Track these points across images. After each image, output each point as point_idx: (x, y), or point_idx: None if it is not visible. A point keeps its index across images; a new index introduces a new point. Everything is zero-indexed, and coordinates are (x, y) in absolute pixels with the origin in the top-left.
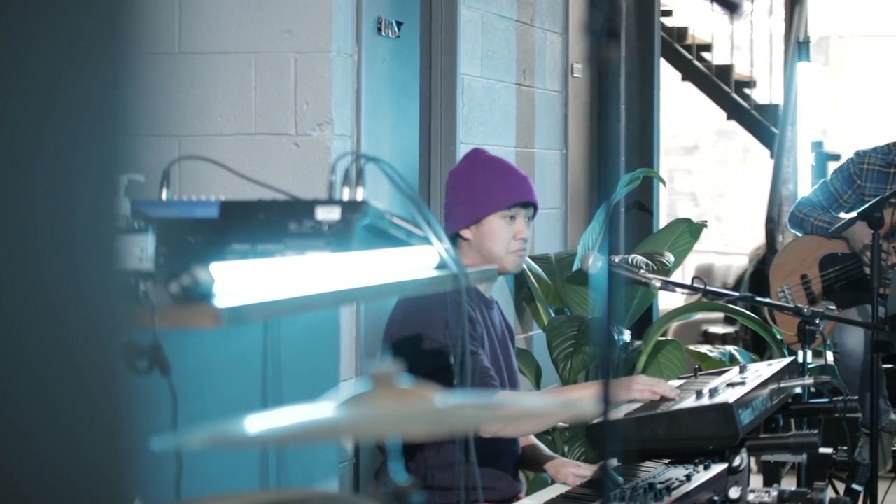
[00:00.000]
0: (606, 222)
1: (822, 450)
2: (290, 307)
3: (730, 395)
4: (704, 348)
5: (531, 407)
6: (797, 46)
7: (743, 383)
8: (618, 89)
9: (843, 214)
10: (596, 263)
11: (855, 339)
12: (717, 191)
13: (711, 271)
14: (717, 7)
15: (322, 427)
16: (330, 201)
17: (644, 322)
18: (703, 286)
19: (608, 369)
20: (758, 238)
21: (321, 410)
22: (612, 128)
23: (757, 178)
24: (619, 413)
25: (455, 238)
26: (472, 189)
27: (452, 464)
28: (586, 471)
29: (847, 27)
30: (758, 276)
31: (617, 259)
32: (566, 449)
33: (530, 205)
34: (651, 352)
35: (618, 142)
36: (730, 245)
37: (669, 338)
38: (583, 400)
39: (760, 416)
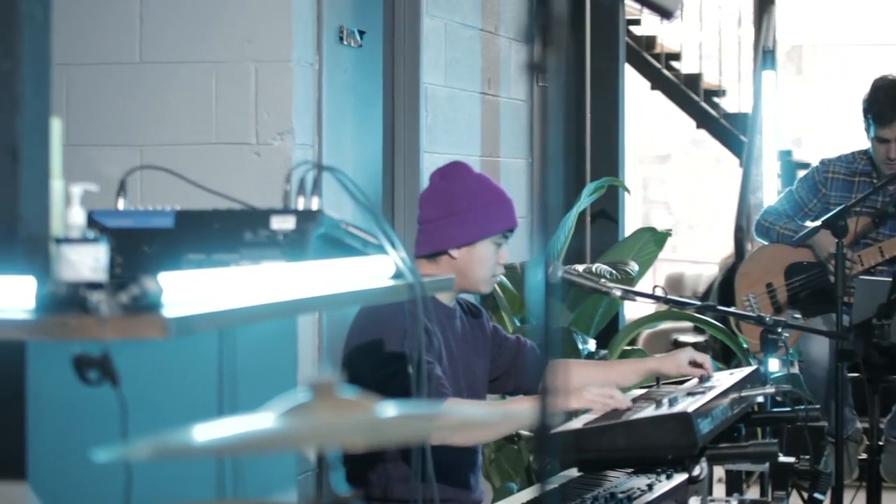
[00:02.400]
0: (571, 232)
1: (784, 459)
2: (240, 317)
3: (689, 404)
4: None
5: (472, 417)
6: (763, 55)
7: (703, 392)
8: (558, 98)
9: (808, 223)
10: (556, 273)
11: (820, 347)
12: (690, 199)
13: (682, 280)
14: (649, 11)
15: (260, 437)
16: (285, 211)
17: (610, 331)
18: (664, 295)
19: (545, 379)
20: (728, 247)
21: (261, 421)
22: (550, 137)
23: (728, 187)
24: (577, 423)
25: (437, 254)
26: (469, 209)
27: (411, 476)
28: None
29: (819, 36)
30: (727, 285)
31: (580, 268)
32: (531, 458)
33: (513, 230)
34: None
35: (557, 151)
36: (701, 254)
37: (638, 346)
38: (527, 410)
39: (721, 426)
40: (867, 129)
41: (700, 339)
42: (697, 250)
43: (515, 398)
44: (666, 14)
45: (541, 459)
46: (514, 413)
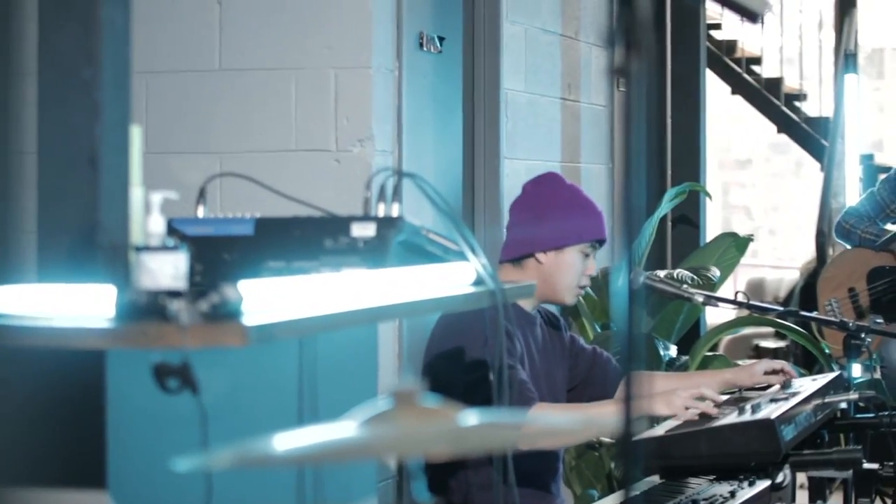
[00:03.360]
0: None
1: (868, 465)
2: (321, 325)
3: (772, 411)
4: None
5: (556, 424)
6: (845, 58)
7: (786, 398)
8: (641, 103)
9: (890, 226)
10: (637, 279)
11: None
12: (771, 204)
13: (763, 285)
14: (735, 14)
15: (341, 446)
16: (365, 217)
17: (691, 337)
18: (746, 300)
19: (629, 385)
20: (809, 251)
21: (342, 430)
22: (634, 142)
23: (809, 192)
24: (660, 429)
25: (524, 257)
26: (559, 216)
27: (492, 483)
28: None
29: None
30: (808, 290)
31: (662, 274)
32: (612, 465)
33: (602, 243)
34: (698, 367)
35: (640, 156)
36: (782, 259)
37: (719, 353)
38: (611, 415)
39: (804, 432)
40: None
41: (781, 344)
42: (778, 255)
43: (599, 402)
44: (752, 16)
45: (624, 466)
46: (597, 418)
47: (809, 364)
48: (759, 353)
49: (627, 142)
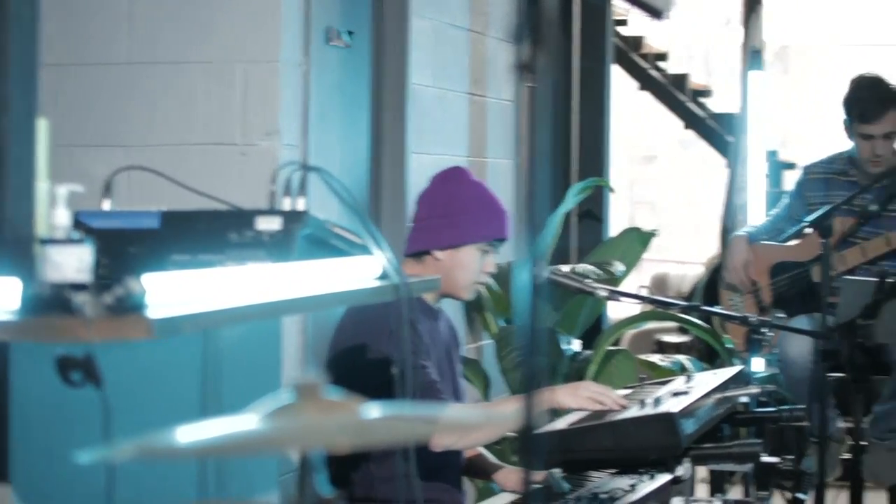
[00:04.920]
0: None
1: (768, 459)
2: (225, 318)
3: (673, 405)
4: (655, 357)
5: (458, 420)
6: (751, 55)
7: (687, 393)
8: (547, 98)
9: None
10: (542, 273)
11: (798, 347)
12: (677, 200)
13: (667, 280)
14: (640, 11)
15: (244, 439)
16: (270, 211)
17: (594, 331)
18: (649, 295)
19: (532, 379)
20: (714, 247)
21: (245, 422)
22: (537, 138)
23: (715, 188)
24: (562, 423)
25: (422, 253)
26: (459, 213)
27: (395, 476)
28: (536, 477)
29: (807, 36)
30: (712, 285)
31: (566, 269)
32: (515, 459)
33: (502, 241)
34: (601, 361)
35: (543, 151)
36: (687, 254)
37: (622, 347)
38: (513, 411)
39: (705, 426)
40: (848, 128)
41: (684, 339)
42: (683, 251)
43: (502, 399)
44: (656, 13)
45: (525, 460)
46: (499, 415)
47: (711, 358)
48: (662, 347)
49: (531, 138)
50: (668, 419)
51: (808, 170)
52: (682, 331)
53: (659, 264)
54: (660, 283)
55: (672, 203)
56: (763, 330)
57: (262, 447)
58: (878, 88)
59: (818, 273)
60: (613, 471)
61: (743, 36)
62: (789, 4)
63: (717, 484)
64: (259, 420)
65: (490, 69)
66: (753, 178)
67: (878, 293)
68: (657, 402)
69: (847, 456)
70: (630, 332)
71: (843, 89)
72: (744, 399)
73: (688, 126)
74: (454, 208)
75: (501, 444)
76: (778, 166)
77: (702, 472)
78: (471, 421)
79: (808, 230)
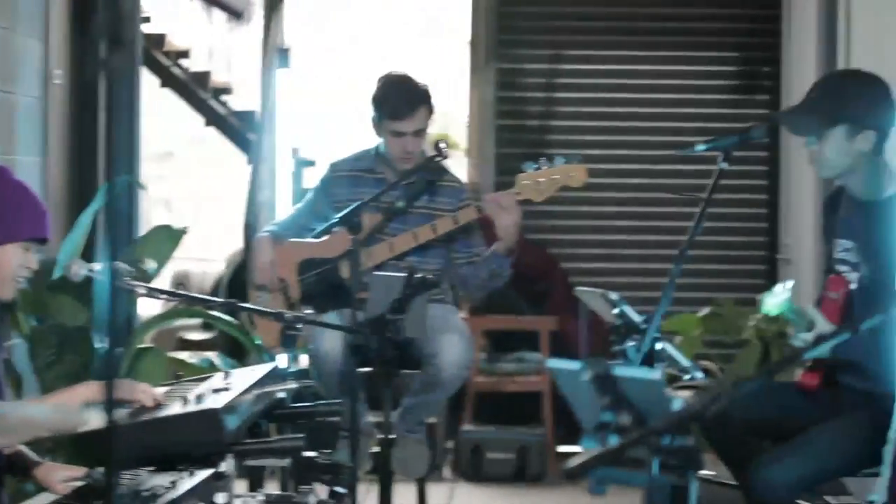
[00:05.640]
0: (88, 230)
1: (307, 453)
2: None
3: (216, 401)
4: (184, 355)
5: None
6: (272, 54)
7: (228, 389)
8: (118, 96)
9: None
10: (80, 271)
11: (330, 342)
12: (193, 197)
13: (189, 277)
14: (220, 11)
15: None
16: None
17: (126, 330)
18: (186, 292)
19: (110, 375)
20: (235, 244)
21: None
22: (66, 134)
23: (234, 184)
24: (100, 421)
25: None
26: (1, 213)
27: None
28: (77, 473)
29: (325, 36)
30: (235, 282)
31: (98, 266)
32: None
33: (45, 240)
34: (133, 359)
35: (72, 148)
36: (207, 251)
37: (151, 345)
38: (73, 405)
39: (246, 422)
40: (378, 125)
41: (207, 335)
42: (203, 248)
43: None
44: (237, 15)
45: (67, 458)
46: (66, 408)
47: (238, 355)
48: (186, 344)
49: (63, 134)
50: (211, 415)
51: (334, 167)
52: (207, 327)
53: (178, 262)
54: (181, 280)
55: (187, 200)
56: (297, 326)
57: None
58: (407, 86)
59: (346, 269)
60: (152, 468)
61: (264, 34)
62: (309, 4)
63: (255, 479)
64: None
65: (17, 66)
66: (278, 176)
67: (406, 288)
68: (199, 398)
69: (376, 449)
70: (154, 331)
71: (359, 87)
72: (281, 395)
73: (209, 123)
74: None
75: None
76: (300, 163)
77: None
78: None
79: (337, 227)
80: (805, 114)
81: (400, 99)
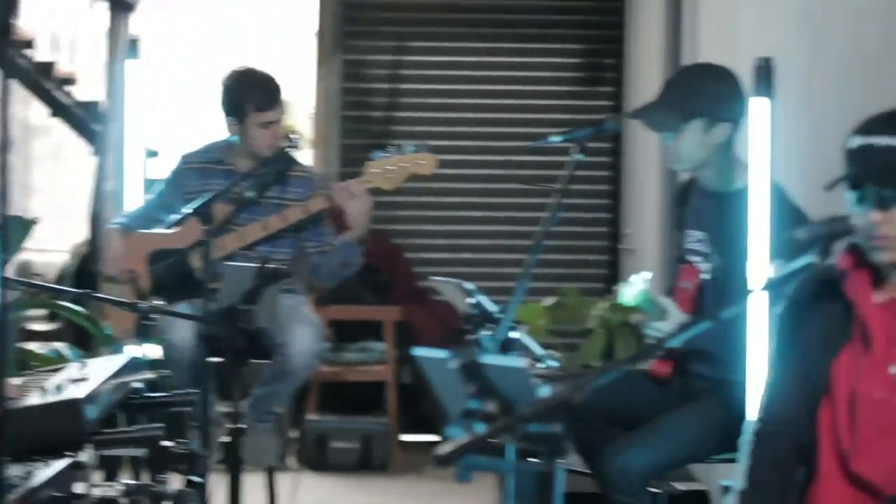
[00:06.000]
0: None
1: (164, 443)
2: None
3: (76, 391)
4: (32, 345)
5: None
6: (120, 44)
7: (86, 379)
8: None
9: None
10: None
11: (182, 332)
12: (30, 188)
13: (31, 267)
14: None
15: None
16: None
17: None
18: (43, 283)
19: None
20: (80, 234)
21: None
22: None
23: (77, 175)
24: None
25: None
26: None
27: None
28: None
29: (176, 27)
30: (81, 272)
31: None
32: None
33: None
34: None
35: None
36: (48, 242)
37: None
38: None
39: (105, 411)
40: (239, 121)
41: (52, 326)
42: (45, 238)
43: None
44: (128, 6)
45: None
46: None
47: (85, 345)
48: (30, 335)
49: None
50: (73, 405)
51: (185, 159)
52: (52, 317)
53: (22, 252)
54: (25, 270)
55: (24, 191)
56: (152, 316)
57: None
58: (266, 78)
59: (197, 259)
60: (6, 458)
61: (111, 24)
62: None
63: (110, 469)
64: None
65: None
66: (127, 167)
67: (258, 278)
68: (58, 388)
69: (226, 439)
70: None
71: (207, 79)
72: (137, 384)
73: (55, 114)
74: None
75: None
76: (147, 155)
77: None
78: None
79: (188, 218)
80: (662, 110)
81: (264, 90)
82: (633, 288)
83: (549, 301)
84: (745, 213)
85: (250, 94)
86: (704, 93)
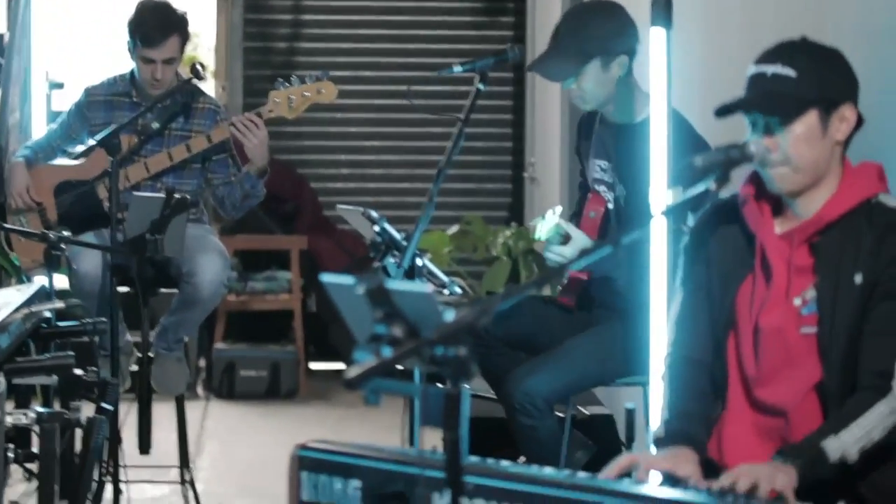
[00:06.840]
0: None
1: (75, 371)
2: None
3: None
4: None
5: None
6: None
7: None
8: None
9: (79, 148)
10: None
11: (90, 262)
12: None
13: None
14: None
15: None
16: None
17: None
18: None
19: None
20: None
21: None
22: None
23: None
24: None
25: None
26: None
27: None
28: None
29: None
30: None
31: None
32: None
33: None
34: None
35: None
36: None
37: None
38: None
39: (16, 341)
40: (132, 51)
41: None
42: None
43: None
44: None
45: None
46: None
47: None
48: None
49: None
50: None
51: (89, 92)
52: None
53: None
54: None
55: None
56: (61, 246)
57: None
58: (162, 14)
59: (103, 190)
60: None
61: None
62: None
63: (20, 398)
64: None
65: None
66: (32, 99)
67: (165, 208)
68: None
69: (135, 368)
70: None
71: (115, 10)
72: (48, 314)
73: None
74: None
75: None
76: (51, 86)
77: None
78: None
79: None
80: (557, 59)
81: (153, 26)
82: (548, 223)
83: (453, 229)
84: (647, 144)
85: (138, 28)
86: (595, 33)
